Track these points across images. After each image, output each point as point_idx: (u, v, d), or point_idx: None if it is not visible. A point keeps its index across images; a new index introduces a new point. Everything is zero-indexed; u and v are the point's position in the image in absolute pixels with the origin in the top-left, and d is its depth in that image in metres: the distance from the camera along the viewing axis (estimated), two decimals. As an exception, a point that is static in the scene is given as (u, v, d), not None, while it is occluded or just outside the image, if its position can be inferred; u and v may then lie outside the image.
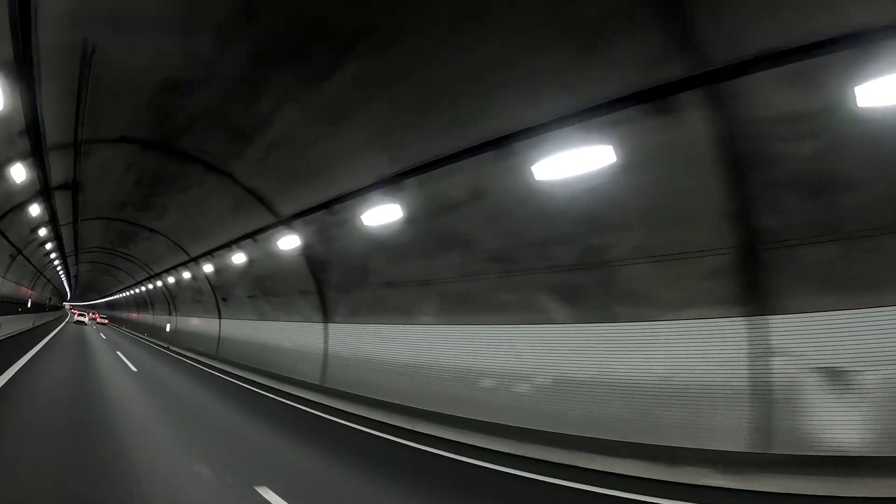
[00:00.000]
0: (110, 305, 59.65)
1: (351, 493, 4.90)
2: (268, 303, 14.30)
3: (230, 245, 13.77)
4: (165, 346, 25.48)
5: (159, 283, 27.00)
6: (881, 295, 4.38)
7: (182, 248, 18.24)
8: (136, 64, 6.46)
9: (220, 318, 18.88)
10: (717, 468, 4.91)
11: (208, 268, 17.02)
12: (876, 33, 3.47)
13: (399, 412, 8.53)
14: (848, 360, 4.50)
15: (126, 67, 6.51)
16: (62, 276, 39.38)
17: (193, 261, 18.38)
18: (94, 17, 5.31)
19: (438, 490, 5.09)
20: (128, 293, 40.35)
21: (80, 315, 47.97)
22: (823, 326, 4.63)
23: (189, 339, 23.14)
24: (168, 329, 28.65)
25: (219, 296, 18.33)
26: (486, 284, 7.65)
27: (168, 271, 22.53)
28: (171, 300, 27.12)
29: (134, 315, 43.61)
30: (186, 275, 19.94)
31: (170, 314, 28.43)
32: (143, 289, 32.23)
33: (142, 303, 37.64)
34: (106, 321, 53.91)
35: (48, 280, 32.99)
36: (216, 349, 18.80)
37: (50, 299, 41.90)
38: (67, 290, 54.59)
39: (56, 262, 26.96)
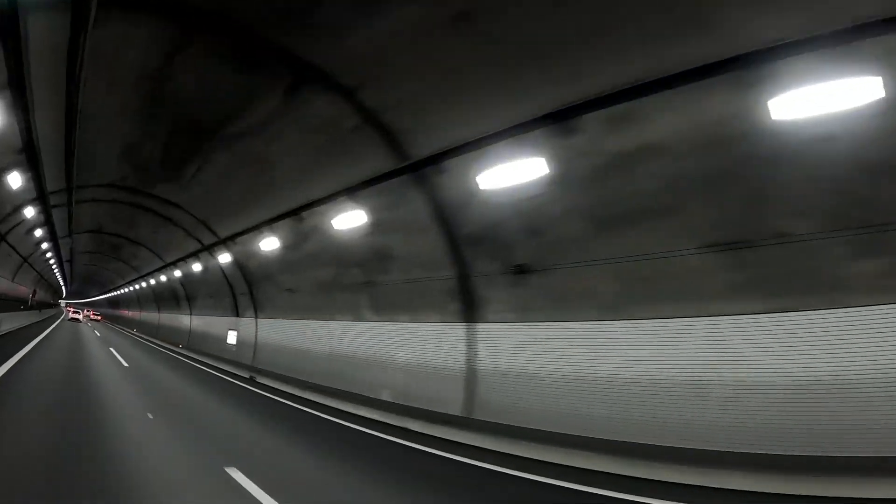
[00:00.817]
0: (113, 303, 49.67)
1: None
2: None
3: None
4: (248, 375, 13.42)
5: (221, 261, 14.97)
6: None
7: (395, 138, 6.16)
8: None
9: (469, 321, 6.81)
10: None
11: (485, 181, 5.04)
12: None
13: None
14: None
15: None
16: (53, 266, 28.44)
17: (412, 169, 6.32)
18: None
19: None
20: (144, 284, 28.23)
21: (74, 312, 44.82)
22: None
23: (312, 369, 11.07)
24: (232, 342, 16.56)
25: (506, 263, 6.26)
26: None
27: (260, 228, 10.43)
28: (245, 292, 15.00)
29: (151, 315, 31.45)
30: (343, 224, 7.88)
31: (237, 314, 16.32)
32: (179, 274, 20.19)
33: (169, 297, 25.47)
34: (99, 318, 52.31)
35: (24, 258, 20.84)
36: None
37: (35, 292, 30.97)
38: (62, 285, 47.98)
39: (32, 215, 14.68)
